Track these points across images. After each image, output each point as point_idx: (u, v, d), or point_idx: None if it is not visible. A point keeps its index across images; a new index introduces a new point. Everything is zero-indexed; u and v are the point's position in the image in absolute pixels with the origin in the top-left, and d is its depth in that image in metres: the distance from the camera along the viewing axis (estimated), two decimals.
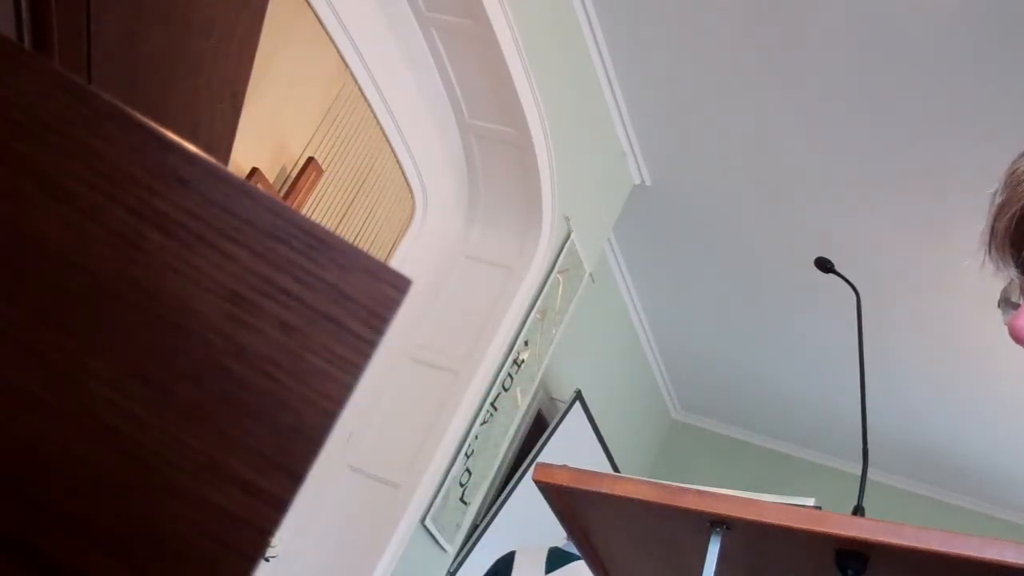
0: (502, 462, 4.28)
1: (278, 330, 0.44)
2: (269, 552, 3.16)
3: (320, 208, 3.30)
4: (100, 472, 0.41)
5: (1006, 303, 0.83)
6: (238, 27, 0.88)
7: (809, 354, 5.35)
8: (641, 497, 1.53)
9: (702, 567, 1.49)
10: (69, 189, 0.43)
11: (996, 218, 0.77)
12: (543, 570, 2.81)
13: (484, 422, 3.77)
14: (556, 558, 2.91)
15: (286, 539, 3.37)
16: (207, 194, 0.44)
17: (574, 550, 2.88)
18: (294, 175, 3.11)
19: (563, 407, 4.60)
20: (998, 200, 0.78)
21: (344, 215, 3.43)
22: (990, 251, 0.78)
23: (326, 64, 3.24)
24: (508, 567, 2.87)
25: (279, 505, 0.42)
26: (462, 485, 3.75)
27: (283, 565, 3.34)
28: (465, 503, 3.81)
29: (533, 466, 2.19)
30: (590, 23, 3.81)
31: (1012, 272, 0.79)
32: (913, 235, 4.15)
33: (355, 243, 0.54)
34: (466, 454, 3.71)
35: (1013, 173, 0.79)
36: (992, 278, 0.80)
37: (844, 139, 3.82)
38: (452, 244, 3.95)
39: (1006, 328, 0.82)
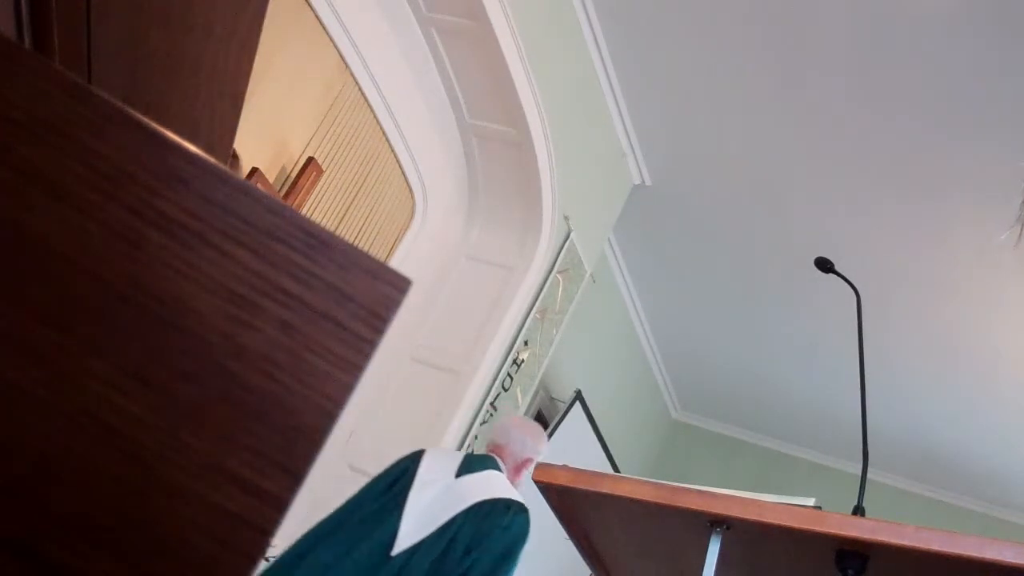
0: None
1: (278, 330, 0.44)
2: (269, 552, 3.16)
3: (320, 208, 3.30)
4: (100, 472, 0.41)
5: None
6: (238, 27, 0.88)
7: (809, 354, 5.35)
8: (641, 497, 1.53)
9: (702, 567, 1.49)
10: (69, 189, 0.43)
11: None
12: (454, 473, 2.54)
13: (484, 422, 3.78)
14: (471, 463, 2.63)
15: (286, 539, 3.37)
16: (207, 194, 0.44)
17: (495, 461, 2.67)
18: (294, 175, 3.11)
19: (563, 407, 4.60)
20: None
21: (344, 215, 3.43)
22: None
23: (326, 64, 3.24)
24: (415, 462, 2.59)
25: (279, 505, 0.42)
26: None
27: None
28: None
29: (533, 466, 2.19)
30: (590, 23, 3.81)
31: None
32: (913, 235, 4.15)
33: (355, 243, 0.54)
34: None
35: None
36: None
37: (845, 140, 3.82)
38: (452, 244, 3.95)
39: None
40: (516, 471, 2.65)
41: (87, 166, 0.43)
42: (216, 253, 0.44)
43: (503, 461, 2.64)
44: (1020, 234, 0.77)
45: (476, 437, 3.75)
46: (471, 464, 2.59)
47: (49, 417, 0.41)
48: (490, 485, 2.52)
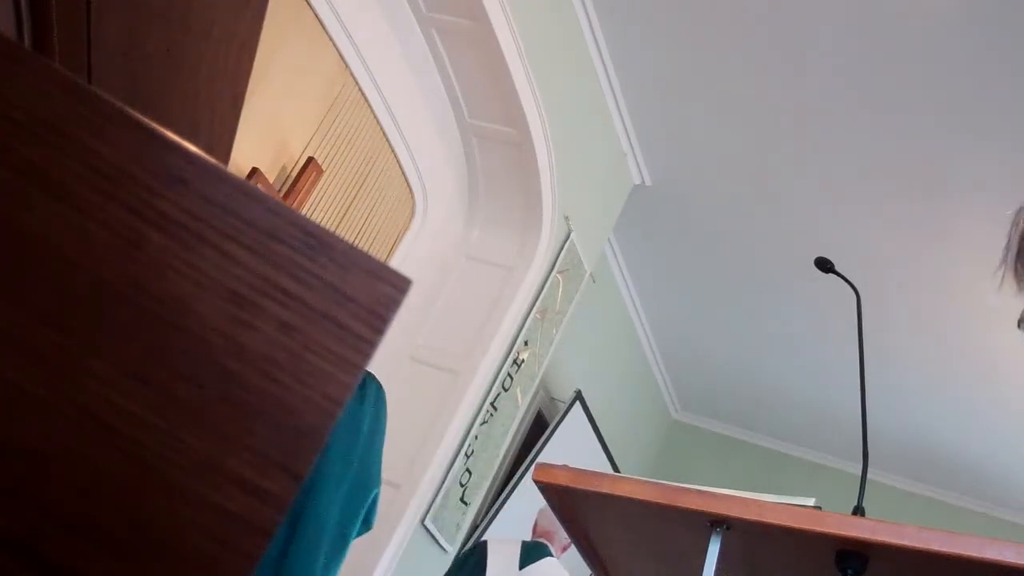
0: (502, 462, 4.29)
1: (278, 330, 0.44)
2: None
3: (320, 208, 3.30)
4: (100, 472, 0.41)
5: None
6: (238, 28, 0.88)
7: (809, 354, 5.35)
8: (641, 497, 1.53)
9: (702, 567, 1.49)
10: (69, 189, 0.43)
11: (1023, 237, 0.77)
12: (517, 565, 2.97)
13: (484, 422, 3.78)
14: (529, 552, 3.05)
15: None
16: (207, 194, 0.44)
17: (548, 548, 3.07)
18: (294, 175, 3.11)
19: (563, 407, 4.60)
20: (1023, 218, 0.78)
21: (344, 215, 3.43)
22: (1016, 269, 0.78)
23: (326, 64, 3.24)
24: (483, 558, 3.01)
25: (279, 505, 0.42)
26: (462, 485, 3.75)
27: None
28: (465, 503, 3.81)
29: (533, 466, 2.19)
30: (590, 23, 3.81)
31: None
32: (913, 235, 4.15)
33: (355, 243, 0.54)
34: (466, 454, 3.71)
35: None
36: (1014, 296, 0.80)
37: (844, 139, 3.82)
38: (452, 244, 3.95)
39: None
40: (562, 551, 3.19)
41: (87, 166, 0.43)
42: (216, 253, 0.44)
43: (552, 545, 3.15)
44: (1003, 278, 0.79)
45: (476, 437, 3.75)
46: (529, 554, 3.08)
47: (49, 417, 0.41)
48: (552, 574, 3.08)
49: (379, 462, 2.41)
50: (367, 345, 0.45)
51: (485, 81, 3.54)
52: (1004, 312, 4.35)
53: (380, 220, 3.64)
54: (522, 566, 3.01)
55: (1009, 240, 0.79)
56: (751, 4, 3.42)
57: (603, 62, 3.96)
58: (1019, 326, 0.83)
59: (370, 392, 2.50)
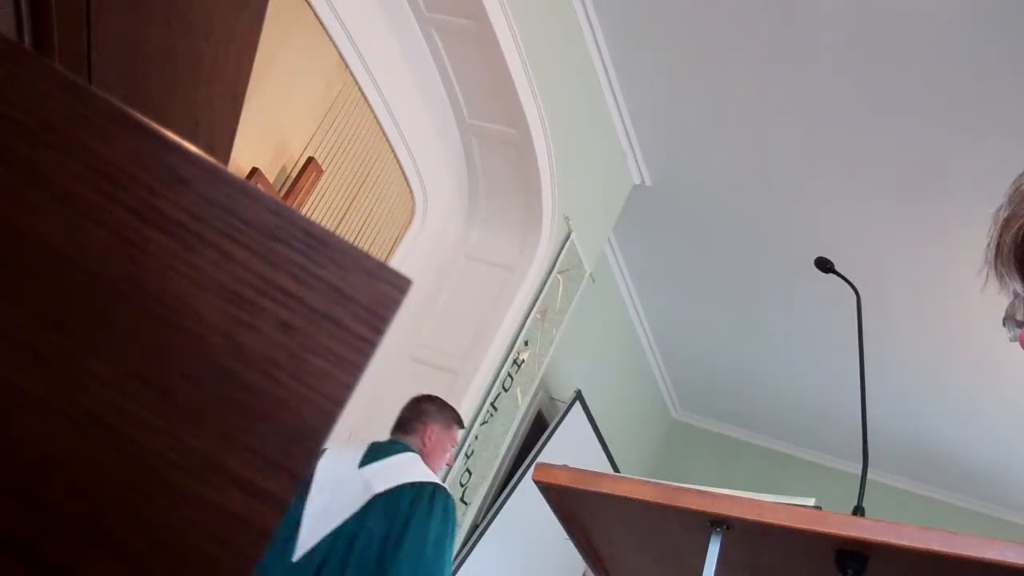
0: (502, 462, 4.28)
1: (278, 330, 0.44)
2: None
3: (320, 208, 3.30)
4: (100, 472, 0.41)
5: (1011, 320, 0.83)
6: (238, 27, 0.88)
7: (809, 354, 5.35)
8: (641, 497, 1.53)
9: (702, 567, 1.49)
10: (69, 189, 0.43)
11: (1001, 234, 0.78)
12: (357, 463, 2.62)
13: (484, 422, 3.77)
14: (375, 452, 2.67)
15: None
16: (207, 194, 0.44)
17: (401, 443, 2.69)
18: (294, 175, 3.11)
19: (563, 407, 4.60)
20: (1003, 215, 0.78)
21: (344, 215, 3.43)
22: (995, 266, 0.79)
23: (326, 64, 3.24)
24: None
25: (279, 505, 0.42)
26: (462, 485, 3.75)
27: None
28: (465, 503, 3.80)
29: (533, 466, 2.19)
30: (590, 23, 3.81)
31: (1018, 287, 0.79)
32: (913, 235, 4.15)
33: (355, 243, 0.54)
34: (466, 454, 3.71)
35: (1017, 190, 0.79)
36: (997, 294, 0.80)
37: (844, 140, 3.82)
38: (452, 244, 3.95)
39: (1014, 344, 0.83)
40: None
41: (87, 166, 0.43)
42: (216, 253, 0.44)
43: None
44: (987, 278, 0.79)
45: (476, 437, 3.74)
46: (374, 453, 2.79)
47: (49, 417, 0.41)
48: None
49: (442, 570, 2.46)
50: (367, 345, 0.45)
51: (485, 81, 3.54)
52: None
53: (380, 220, 3.64)
54: None
55: (990, 238, 0.79)
56: (751, 5, 3.42)
57: (603, 62, 3.96)
58: (1003, 324, 0.84)
59: (438, 505, 2.53)
